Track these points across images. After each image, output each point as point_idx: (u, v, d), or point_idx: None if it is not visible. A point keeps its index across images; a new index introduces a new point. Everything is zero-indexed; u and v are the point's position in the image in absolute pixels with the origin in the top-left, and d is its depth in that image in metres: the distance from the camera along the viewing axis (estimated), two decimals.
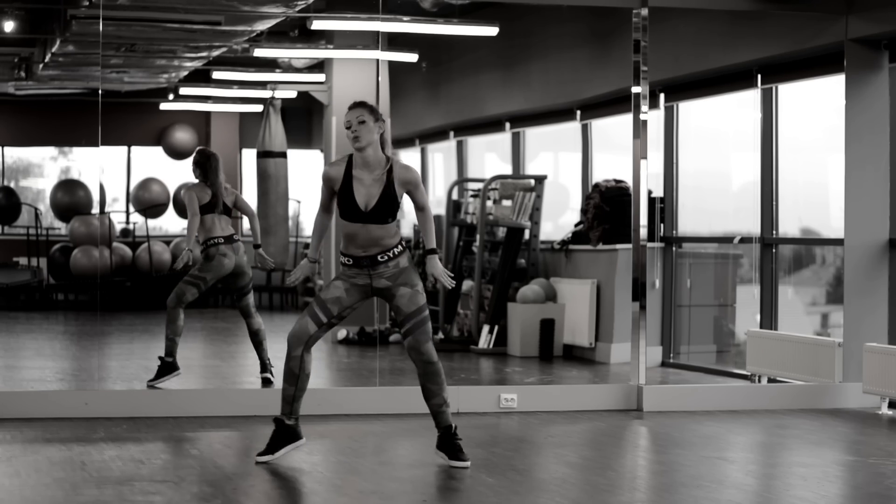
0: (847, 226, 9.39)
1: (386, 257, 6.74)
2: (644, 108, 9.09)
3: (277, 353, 9.86)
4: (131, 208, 15.39)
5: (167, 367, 9.22)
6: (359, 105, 6.75)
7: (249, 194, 13.10)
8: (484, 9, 12.33)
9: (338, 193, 6.70)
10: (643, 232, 9.14)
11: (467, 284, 12.95)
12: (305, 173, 15.35)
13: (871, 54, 9.36)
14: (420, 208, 6.89)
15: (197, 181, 9.42)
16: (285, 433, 6.77)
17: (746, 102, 10.77)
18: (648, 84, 9.12)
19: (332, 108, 13.12)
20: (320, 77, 13.56)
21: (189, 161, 9.71)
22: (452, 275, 7.04)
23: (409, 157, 17.03)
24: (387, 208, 6.69)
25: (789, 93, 10.50)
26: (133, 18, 10.84)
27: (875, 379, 8.87)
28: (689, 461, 7.09)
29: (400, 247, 6.78)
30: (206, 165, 9.37)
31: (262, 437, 7.38)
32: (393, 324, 12.66)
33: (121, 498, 5.86)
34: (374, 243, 6.72)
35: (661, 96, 11.56)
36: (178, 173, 15.49)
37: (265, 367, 9.47)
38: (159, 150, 15.65)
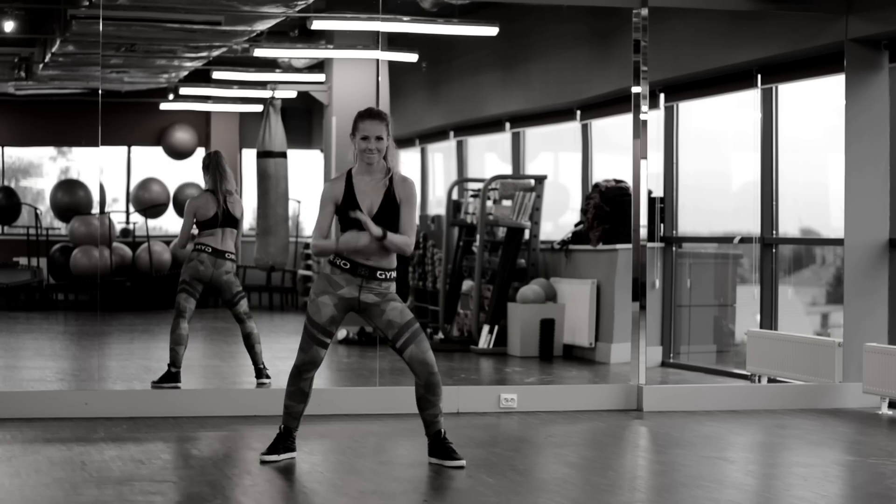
0: (847, 226, 9.39)
1: (384, 276, 6.66)
2: (644, 108, 9.09)
3: (278, 353, 9.89)
4: (131, 208, 15.40)
5: (169, 376, 9.21)
6: (376, 118, 6.61)
7: (249, 194, 13.11)
8: (484, 9, 12.33)
9: (339, 206, 6.64)
10: (643, 232, 9.14)
11: (467, 284, 12.95)
12: (305, 173, 15.36)
13: (871, 54, 9.36)
14: (404, 231, 6.62)
15: (205, 189, 9.40)
16: (289, 443, 6.83)
17: (746, 102, 10.78)
18: (648, 84, 9.12)
19: (332, 108, 13.12)
20: (320, 77, 13.56)
21: (189, 161, 9.72)
22: (379, 232, 6.58)
23: (409, 157, 17.03)
24: (390, 213, 6.61)
25: (789, 93, 10.50)
26: (133, 18, 10.84)
27: (875, 379, 8.87)
28: (689, 461, 7.09)
29: (395, 273, 6.72)
30: (210, 168, 9.38)
31: (262, 437, 7.38)
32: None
33: (121, 498, 5.87)
34: (380, 249, 6.61)
35: (661, 96, 11.56)
36: (178, 173, 15.50)
37: (260, 372, 9.44)
38: (159, 150, 15.66)
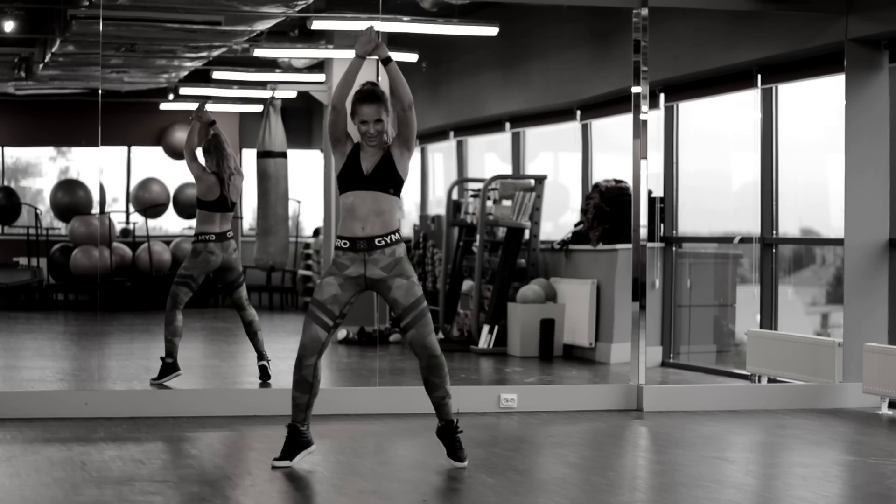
0: (847, 226, 9.39)
1: (384, 241, 6.61)
2: (644, 108, 9.09)
3: (278, 352, 9.89)
4: (131, 208, 15.39)
5: (168, 367, 9.27)
6: (373, 101, 6.63)
7: (249, 194, 13.11)
8: (484, 9, 12.33)
9: (347, 156, 6.64)
10: (643, 232, 9.14)
11: (467, 284, 12.95)
12: (305, 173, 15.35)
13: (871, 54, 9.36)
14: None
15: (209, 172, 9.46)
16: (300, 440, 6.70)
17: (746, 102, 10.78)
18: (648, 84, 9.12)
19: None
20: (320, 77, 13.56)
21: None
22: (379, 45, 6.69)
23: None
24: (387, 173, 6.61)
25: (789, 93, 10.50)
26: (133, 18, 10.84)
27: (875, 379, 8.87)
28: (689, 461, 7.09)
29: (398, 235, 6.67)
30: (211, 151, 9.45)
31: (261, 437, 7.39)
32: (393, 323, 12.65)
33: (121, 498, 5.86)
34: (376, 214, 6.59)
35: (661, 96, 11.56)
36: (178, 173, 15.48)
37: (262, 355, 9.51)
38: (159, 150, 15.64)
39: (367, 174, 6.62)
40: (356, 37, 6.64)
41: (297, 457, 6.68)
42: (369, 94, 6.66)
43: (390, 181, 6.64)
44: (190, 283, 9.33)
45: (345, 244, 6.65)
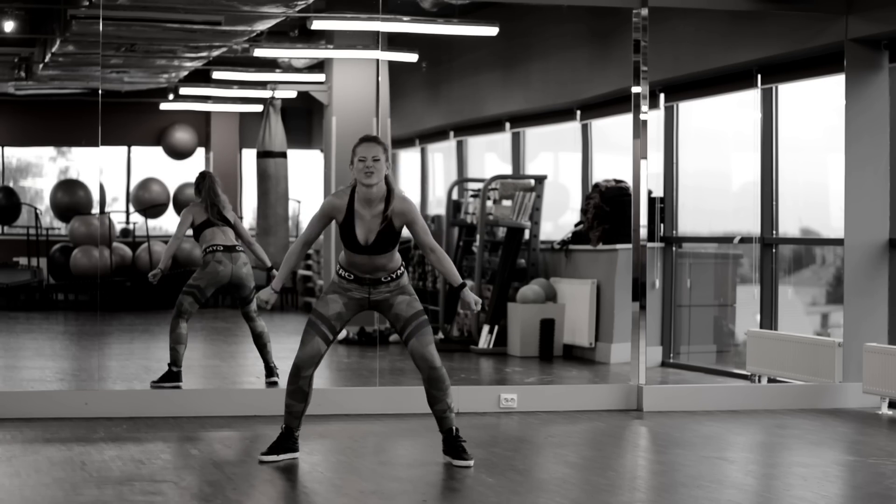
0: (847, 226, 9.39)
1: (389, 278, 6.79)
2: (644, 108, 9.09)
3: (279, 352, 9.88)
4: (131, 208, 15.39)
5: (170, 375, 9.23)
6: (373, 141, 6.69)
7: (249, 194, 13.11)
8: (484, 9, 12.33)
9: (340, 225, 6.72)
10: (643, 232, 9.14)
11: (467, 284, 12.94)
12: (305, 173, 15.36)
13: (871, 54, 9.36)
14: (430, 249, 6.77)
15: (197, 200, 9.47)
16: (290, 444, 6.84)
17: (746, 102, 10.78)
18: (648, 84, 9.12)
19: (332, 108, 13.12)
20: (320, 77, 13.56)
21: (189, 161, 9.72)
22: (479, 301, 6.92)
23: (409, 157, 17.02)
24: (386, 241, 6.70)
25: (789, 93, 10.50)
26: (133, 18, 10.84)
27: (875, 379, 8.87)
28: (689, 461, 7.09)
29: (401, 269, 6.83)
30: (201, 185, 9.42)
31: (262, 438, 7.38)
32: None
33: (121, 498, 5.87)
34: (378, 269, 6.75)
35: (661, 96, 11.56)
36: (178, 173, 15.50)
37: (270, 371, 9.45)
38: (159, 150, 15.65)
39: (365, 244, 6.68)
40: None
41: (283, 455, 6.79)
42: (369, 136, 6.76)
43: (390, 245, 6.71)
44: (196, 294, 9.26)
45: (349, 276, 6.79)
